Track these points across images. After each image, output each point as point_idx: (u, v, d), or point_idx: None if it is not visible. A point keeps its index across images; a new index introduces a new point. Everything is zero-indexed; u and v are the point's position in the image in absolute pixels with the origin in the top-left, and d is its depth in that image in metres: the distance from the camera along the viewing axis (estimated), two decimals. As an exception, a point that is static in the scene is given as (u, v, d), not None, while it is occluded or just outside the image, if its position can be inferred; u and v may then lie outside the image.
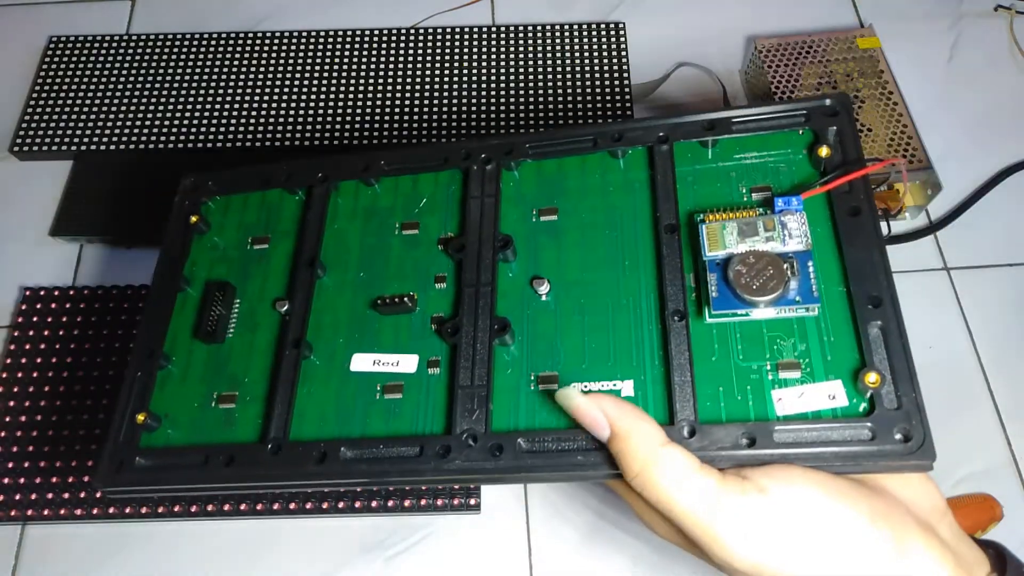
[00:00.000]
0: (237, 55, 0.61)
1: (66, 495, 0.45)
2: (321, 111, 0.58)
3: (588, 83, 0.59)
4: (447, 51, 0.61)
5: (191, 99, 0.59)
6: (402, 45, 0.61)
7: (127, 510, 0.44)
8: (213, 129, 0.57)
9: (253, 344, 0.36)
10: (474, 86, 0.59)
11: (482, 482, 0.32)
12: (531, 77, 0.59)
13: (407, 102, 0.58)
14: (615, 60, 0.60)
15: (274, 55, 0.61)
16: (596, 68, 0.59)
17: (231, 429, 0.34)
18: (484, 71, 0.60)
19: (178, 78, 0.60)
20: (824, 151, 0.33)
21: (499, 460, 0.30)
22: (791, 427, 0.28)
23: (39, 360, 0.49)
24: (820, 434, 0.28)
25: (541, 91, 0.58)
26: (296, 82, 0.59)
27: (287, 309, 0.36)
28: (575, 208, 0.36)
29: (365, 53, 0.61)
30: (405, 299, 0.35)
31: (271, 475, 0.32)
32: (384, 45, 0.61)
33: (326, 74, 0.60)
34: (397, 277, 0.36)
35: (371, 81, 0.59)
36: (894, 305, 0.30)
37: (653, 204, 0.35)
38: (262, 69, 0.60)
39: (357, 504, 0.44)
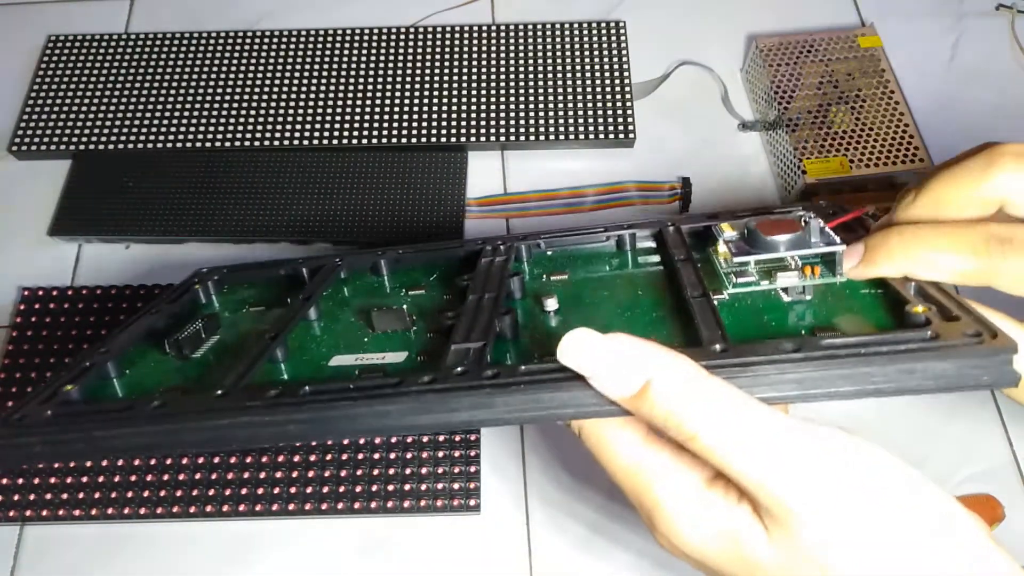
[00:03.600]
0: (236, 54, 0.60)
1: (65, 495, 0.45)
2: (320, 110, 0.58)
3: (588, 82, 0.58)
4: (447, 50, 0.60)
5: (190, 98, 0.59)
6: (402, 44, 0.61)
7: (126, 510, 0.44)
8: (212, 128, 0.57)
9: (219, 362, 0.33)
10: (474, 85, 0.59)
11: (471, 423, 0.27)
12: (531, 76, 0.59)
13: (407, 101, 0.58)
14: (615, 59, 0.60)
15: (273, 54, 0.60)
16: (596, 67, 0.59)
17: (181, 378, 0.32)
18: (484, 70, 0.59)
19: (177, 77, 0.59)
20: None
21: (495, 378, 0.26)
22: (836, 333, 0.26)
23: (38, 360, 0.49)
24: (872, 338, 0.25)
25: (541, 90, 0.58)
26: (295, 81, 0.59)
27: (272, 336, 0.32)
28: (585, 275, 0.35)
29: (364, 52, 0.60)
30: (406, 316, 0.32)
31: (213, 412, 0.27)
32: (384, 44, 0.61)
33: (325, 73, 0.59)
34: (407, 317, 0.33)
35: (371, 80, 0.59)
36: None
37: (669, 276, 0.33)
38: (261, 68, 0.60)
39: (356, 505, 0.44)
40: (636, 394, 0.24)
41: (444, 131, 0.57)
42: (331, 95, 0.58)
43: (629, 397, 0.24)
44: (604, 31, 0.61)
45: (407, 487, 0.45)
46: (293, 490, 0.45)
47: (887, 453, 0.24)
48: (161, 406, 0.27)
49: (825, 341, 0.25)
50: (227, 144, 0.57)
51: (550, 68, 0.59)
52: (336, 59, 0.60)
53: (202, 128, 0.57)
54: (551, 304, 0.31)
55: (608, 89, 0.58)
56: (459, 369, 0.26)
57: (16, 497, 0.45)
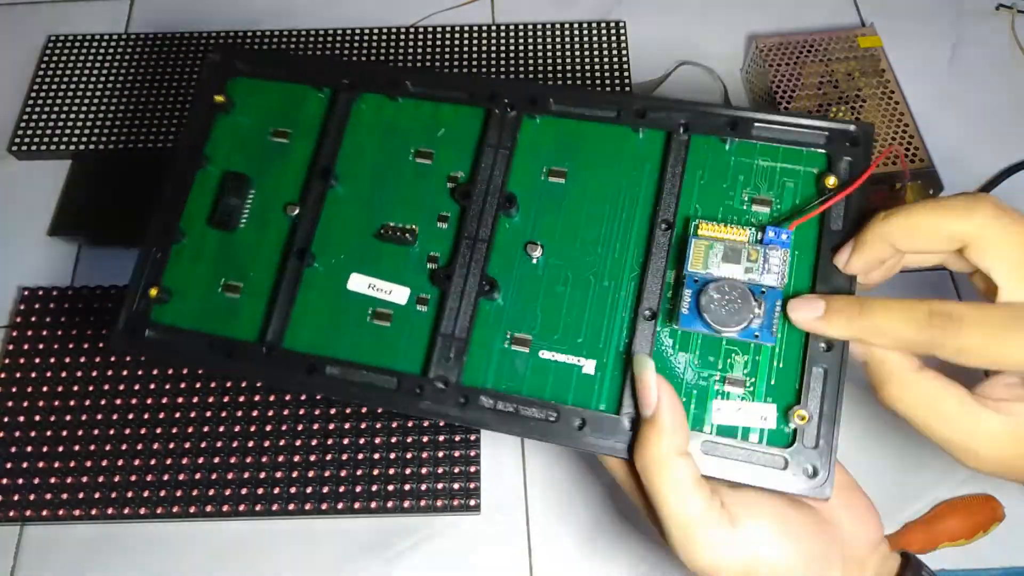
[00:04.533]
0: (236, 54, 0.60)
1: (65, 495, 0.45)
2: (321, 110, 0.58)
3: (588, 82, 0.58)
4: (447, 50, 0.60)
5: (190, 98, 0.58)
6: (402, 44, 0.61)
7: (126, 510, 0.44)
8: (212, 128, 0.57)
9: (262, 241, 0.37)
10: (474, 85, 0.59)
11: (452, 422, 0.34)
12: (531, 76, 0.59)
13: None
14: (615, 59, 0.60)
15: (273, 54, 0.60)
16: (596, 67, 0.59)
17: (232, 321, 0.36)
18: (484, 70, 0.59)
19: (177, 77, 0.59)
20: (831, 181, 0.33)
21: (464, 409, 0.33)
22: (719, 440, 0.31)
23: (38, 360, 0.49)
24: (741, 452, 0.31)
25: (541, 90, 0.58)
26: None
27: (297, 215, 0.36)
28: (584, 175, 0.36)
29: (364, 52, 0.60)
30: (407, 233, 0.35)
31: (265, 374, 0.35)
32: (384, 44, 0.61)
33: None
34: (403, 205, 0.37)
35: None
36: (843, 354, 0.32)
37: (657, 194, 0.35)
38: (261, 68, 0.60)
39: (356, 505, 0.44)
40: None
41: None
42: (331, 95, 0.58)
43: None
44: (604, 31, 0.61)
45: (407, 487, 0.45)
46: (293, 490, 0.45)
47: (774, 534, 0.30)
48: (229, 354, 0.35)
49: (703, 447, 0.32)
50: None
51: (550, 68, 0.59)
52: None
53: (202, 128, 0.57)
54: (536, 252, 0.35)
55: (608, 89, 0.58)
56: (430, 405, 0.33)
57: (16, 497, 0.45)
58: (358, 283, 0.36)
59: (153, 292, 0.36)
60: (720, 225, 0.33)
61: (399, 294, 0.35)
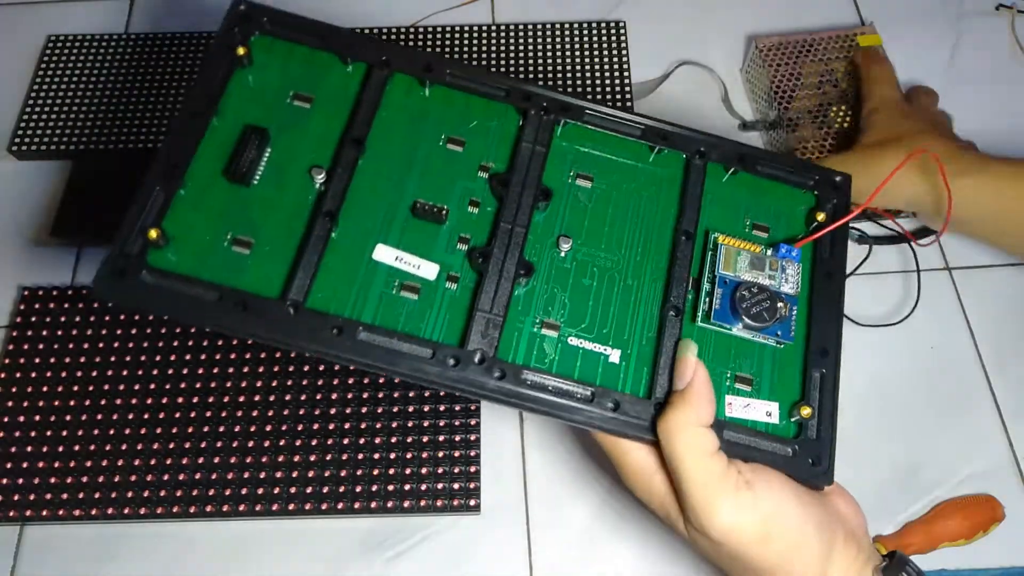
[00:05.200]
0: (236, 54, 0.60)
1: (65, 495, 0.45)
2: (321, 110, 0.58)
3: (588, 82, 0.58)
4: (447, 50, 0.60)
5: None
6: (402, 44, 0.61)
7: (126, 510, 0.44)
8: (212, 128, 0.57)
9: (280, 200, 0.36)
10: (474, 85, 0.59)
11: (480, 397, 0.34)
12: (531, 76, 0.59)
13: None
14: (615, 59, 0.60)
15: (273, 54, 0.60)
16: (596, 67, 0.59)
17: (240, 275, 0.34)
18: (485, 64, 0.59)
19: (177, 77, 0.59)
20: (820, 216, 0.38)
21: (501, 382, 0.33)
22: (739, 429, 0.34)
23: (38, 360, 0.49)
24: (759, 442, 0.34)
25: (541, 90, 0.58)
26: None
27: (323, 179, 0.36)
28: (608, 183, 0.39)
29: (365, 52, 0.60)
30: (443, 211, 0.36)
31: (289, 332, 0.33)
32: (384, 44, 0.61)
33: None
34: (432, 186, 0.37)
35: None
36: (836, 359, 0.36)
37: (680, 208, 0.38)
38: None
39: (356, 505, 0.44)
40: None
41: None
42: (331, 95, 0.58)
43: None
44: (604, 31, 0.61)
45: (407, 487, 0.45)
46: (293, 490, 0.45)
47: (790, 500, 0.33)
48: (244, 308, 0.33)
49: (726, 435, 0.34)
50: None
51: (550, 68, 0.59)
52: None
53: (202, 128, 0.57)
54: (566, 246, 0.37)
55: (608, 89, 0.58)
56: (468, 375, 0.33)
57: (16, 497, 0.45)
58: (385, 254, 0.35)
59: (153, 234, 0.33)
60: (737, 240, 0.37)
61: (428, 269, 0.36)
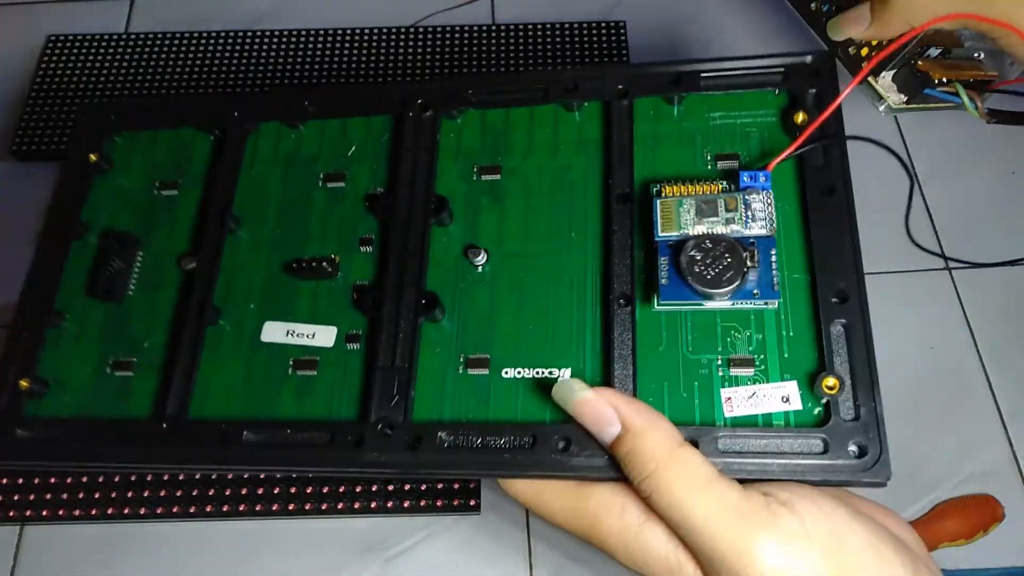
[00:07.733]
0: (236, 54, 0.60)
1: (65, 495, 0.45)
2: (320, 110, 0.58)
3: (588, 82, 0.58)
4: (446, 50, 0.60)
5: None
6: (402, 44, 0.61)
7: (126, 510, 0.44)
8: (212, 128, 0.57)
9: (156, 304, 0.32)
10: (474, 85, 0.59)
11: (399, 478, 0.30)
12: (531, 76, 0.59)
13: (407, 101, 0.58)
14: (615, 59, 0.59)
15: (273, 53, 0.60)
16: (596, 67, 0.59)
17: (126, 402, 0.31)
18: (484, 70, 0.59)
19: (177, 77, 0.59)
20: (800, 117, 0.29)
21: (417, 454, 0.27)
22: (737, 433, 0.26)
23: (38, 360, 0.49)
24: (768, 443, 0.26)
25: (541, 90, 0.58)
26: (295, 80, 0.59)
27: (193, 267, 0.32)
28: (520, 167, 0.32)
29: (364, 52, 0.60)
30: (324, 263, 0.31)
31: (167, 456, 0.29)
32: (384, 44, 0.61)
33: (325, 73, 0.59)
34: (318, 237, 0.33)
35: (370, 79, 0.59)
36: (862, 302, 0.27)
37: (606, 169, 0.31)
38: (261, 68, 0.60)
39: (356, 505, 0.44)
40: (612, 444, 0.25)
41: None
42: (331, 95, 0.58)
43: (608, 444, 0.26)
44: (604, 31, 0.61)
45: (407, 487, 0.45)
46: (293, 490, 0.45)
47: (847, 517, 0.24)
48: (123, 440, 0.30)
49: (721, 444, 0.26)
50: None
51: (550, 68, 0.59)
52: (336, 59, 0.60)
53: (202, 128, 0.57)
54: (479, 259, 0.31)
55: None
56: (376, 455, 0.28)
57: (16, 497, 0.45)
58: (273, 332, 0.31)
59: (24, 384, 0.30)
60: (686, 186, 0.29)
61: (324, 336, 0.31)
